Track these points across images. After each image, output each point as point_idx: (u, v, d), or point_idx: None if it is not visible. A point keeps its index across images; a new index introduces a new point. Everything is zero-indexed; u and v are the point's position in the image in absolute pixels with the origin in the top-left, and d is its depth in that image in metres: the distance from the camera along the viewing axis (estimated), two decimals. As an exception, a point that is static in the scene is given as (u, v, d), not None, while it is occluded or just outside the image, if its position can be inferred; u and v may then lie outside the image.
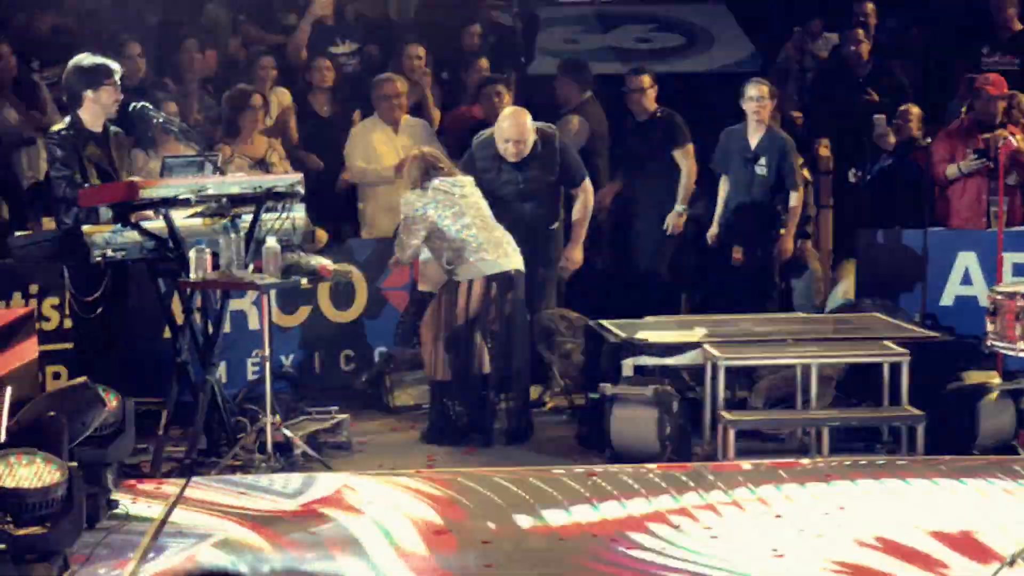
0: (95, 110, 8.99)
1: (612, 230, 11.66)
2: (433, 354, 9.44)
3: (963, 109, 11.59)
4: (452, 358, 9.37)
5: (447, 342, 9.37)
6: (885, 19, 12.89)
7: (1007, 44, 12.46)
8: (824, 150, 12.02)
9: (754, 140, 10.90)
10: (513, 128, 9.85)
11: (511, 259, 9.42)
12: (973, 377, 9.27)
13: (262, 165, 10.37)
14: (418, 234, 9.33)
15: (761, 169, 10.90)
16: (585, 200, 10.20)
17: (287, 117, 11.55)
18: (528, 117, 9.93)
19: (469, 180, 9.52)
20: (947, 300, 10.98)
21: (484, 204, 9.48)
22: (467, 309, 9.35)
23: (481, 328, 9.37)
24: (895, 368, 9.09)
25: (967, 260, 10.99)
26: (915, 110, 11.75)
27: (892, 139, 11.50)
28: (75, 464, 6.73)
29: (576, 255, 10.27)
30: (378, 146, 11.17)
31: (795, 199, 10.86)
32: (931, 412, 9.01)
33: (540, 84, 12.36)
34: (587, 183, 10.24)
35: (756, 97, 10.81)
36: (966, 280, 10.96)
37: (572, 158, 10.22)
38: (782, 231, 10.89)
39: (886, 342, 9.35)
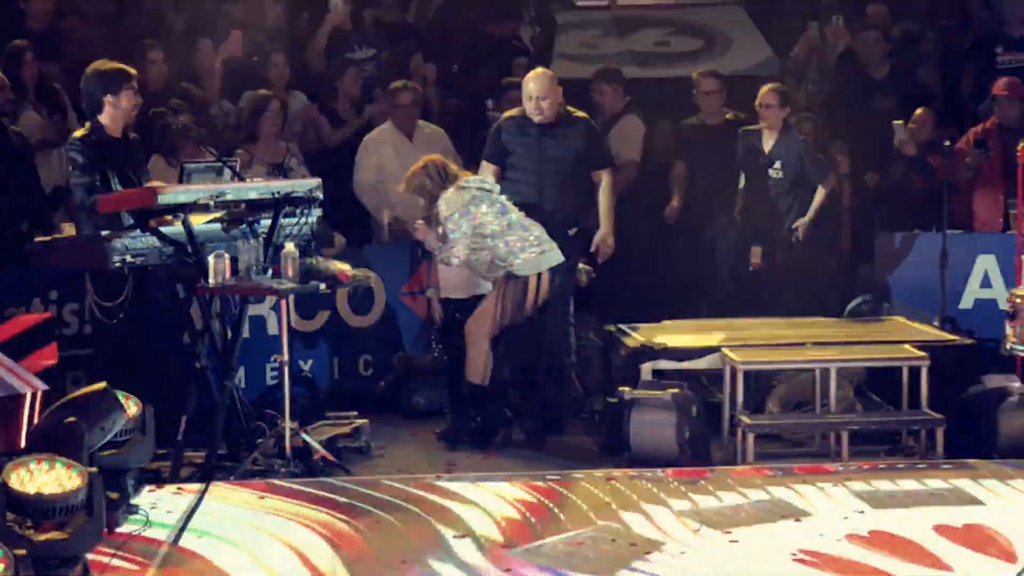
0: (115, 115, 9.01)
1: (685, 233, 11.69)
2: (477, 355, 9.40)
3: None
4: (505, 354, 9.36)
5: (501, 339, 9.38)
6: (899, 21, 12.85)
7: (1020, 43, 12.42)
8: (840, 153, 11.99)
9: (768, 143, 10.90)
10: (537, 84, 9.91)
11: (557, 251, 9.48)
12: (993, 381, 9.25)
13: (280, 170, 10.37)
14: (466, 233, 9.32)
15: (776, 172, 10.90)
16: (609, 184, 10.17)
17: (312, 118, 11.54)
18: (553, 78, 10.01)
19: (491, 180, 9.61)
20: (966, 303, 10.95)
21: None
22: (536, 303, 9.35)
23: (545, 321, 9.42)
24: (914, 372, 9.07)
25: (986, 263, 10.96)
26: (929, 113, 11.72)
27: (913, 147, 11.45)
28: (95, 469, 6.73)
29: (609, 240, 10.22)
30: (392, 157, 11.18)
31: (820, 194, 10.87)
32: (951, 416, 8.98)
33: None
34: (610, 172, 10.20)
35: (763, 104, 10.84)
36: (985, 283, 10.93)
37: (599, 139, 10.31)
38: (801, 220, 10.89)
39: (905, 345, 9.32)
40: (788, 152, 10.88)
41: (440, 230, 9.39)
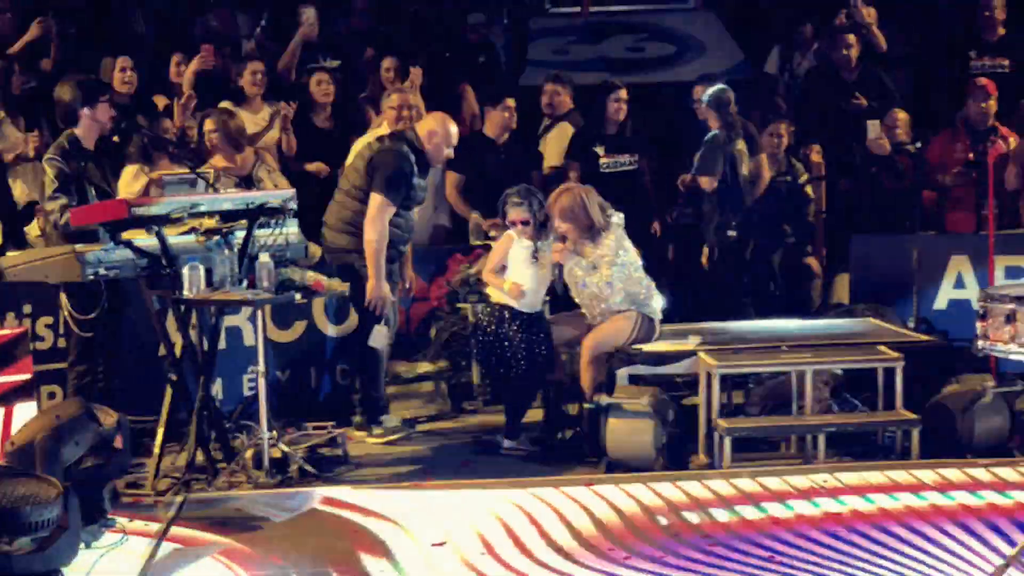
0: (91, 127, 9.00)
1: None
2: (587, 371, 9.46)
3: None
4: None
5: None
6: (878, 24, 12.89)
7: (995, 47, 12.47)
8: (816, 156, 12.02)
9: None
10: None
11: None
12: (967, 381, 9.27)
13: (249, 181, 10.34)
14: (621, 267, 9.45)
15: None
16: None
17: (285, 127, 11.53)
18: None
19: None
20: (940, 304, 10.97)
21: None
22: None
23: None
24: (889, 373, 9.08)
25: (960, 264, 10.98)
26: (902, 115, 11.76)
27: (887, 145, 11.49)
28: (71, 483, 6.71)
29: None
30: None
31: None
32: (926, 416, 9.00)
33: (531, 94, 12.36)
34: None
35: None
36: (959, 284, 10.96)
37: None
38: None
39: (880, 347, 9.34)
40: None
41: (589, 259, 9.44)
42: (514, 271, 9.68)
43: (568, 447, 9.54)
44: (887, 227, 11.38)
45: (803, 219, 11.70)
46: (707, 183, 11.20)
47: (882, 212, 11.55)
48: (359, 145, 10.46)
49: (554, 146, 11.97)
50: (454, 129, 9.98)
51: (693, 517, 7.78)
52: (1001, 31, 12.51)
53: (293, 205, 9.03)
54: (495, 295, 9.83)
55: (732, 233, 11.14)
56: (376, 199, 9.68)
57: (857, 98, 12.24)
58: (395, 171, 9.70)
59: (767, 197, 11.46)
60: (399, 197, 9.72)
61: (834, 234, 11.89)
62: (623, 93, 11.76)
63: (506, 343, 9.48)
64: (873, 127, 11.47)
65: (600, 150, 11.75)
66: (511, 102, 11.62)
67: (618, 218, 9.50)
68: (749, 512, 7.85)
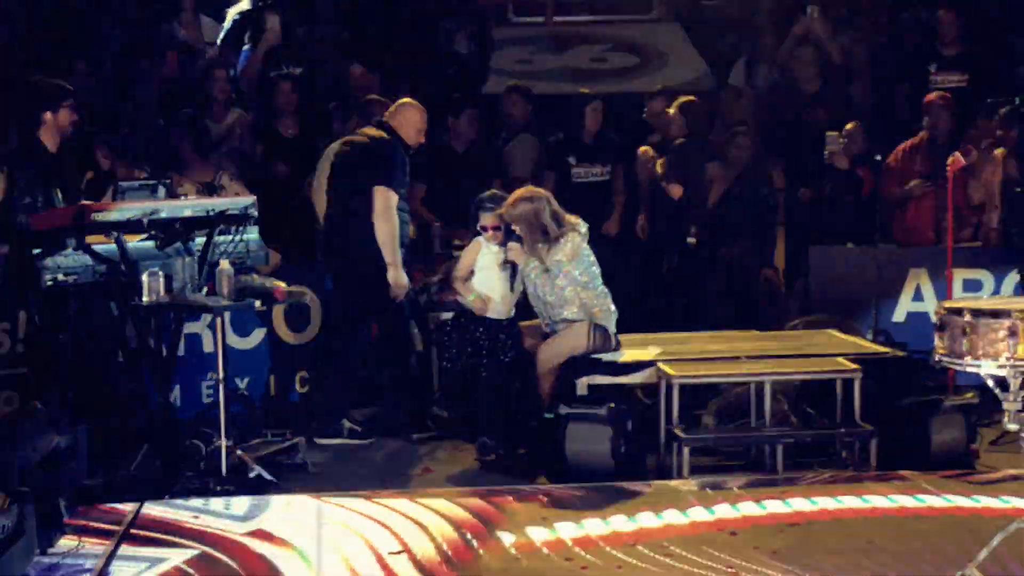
0: (54, 131, 8.98)
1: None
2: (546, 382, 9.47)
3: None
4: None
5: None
6: (834, 37, 12.95)
7: (953, 61, 12.53)
8: (774, 168, 12.07)
9: None
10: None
11: None
12: (925, 392, 9.31)
13: (211, 188, 10.32)
14: (578, 278, 9.46)
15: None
16: None
17: (244, 135, 11.50)
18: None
19: None
20: (899, 316, 11.02)
21: None
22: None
23: None
24: (848, 384, 9.11)
25: (918, 276, 11.04)
26: (861, 127, 11.81)
27: (845, 160, 11.54)
28: (27, 489, 6.67)
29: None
30: None
31: None
32: (884, 427, 9.03)
33: (495, 103, 12.38)
34: None
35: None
36: (918, 296, 11.01)
37: None
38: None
39: (839, 359, 9.36)
40: None
41: (544, 263, 9.43)
42: (482, 277, 9.68)
43: (525, 457, 9.54)
44: (846, 239, 11.42)
45: (763, 229, 11.73)
46: (676, 191, 11.25)
47: (841, 224, 11.59)
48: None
49: (517, 157, 11.98)
50: (422, 115, 10.07)
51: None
52: (959, 47, 12.57)
53: (254, 212, 9.03)
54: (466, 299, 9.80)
55: (692, 240, 11.19)
56: (381, 191, 9.73)
57: (816, 111, 12.28)
58: (392, 158, 9.81)
59: (727, 205, 11.50)
60: (402, 185, 9.83)
61: (794, 245, 11.94)
62: (599, 104, 11.82)
63: (470, 349, 9.50)
64: (831, 140, 11.51)
65: (572, 160, 11.78)
66: (471, 112, 11.64)
67: (582, 227, 9.51)
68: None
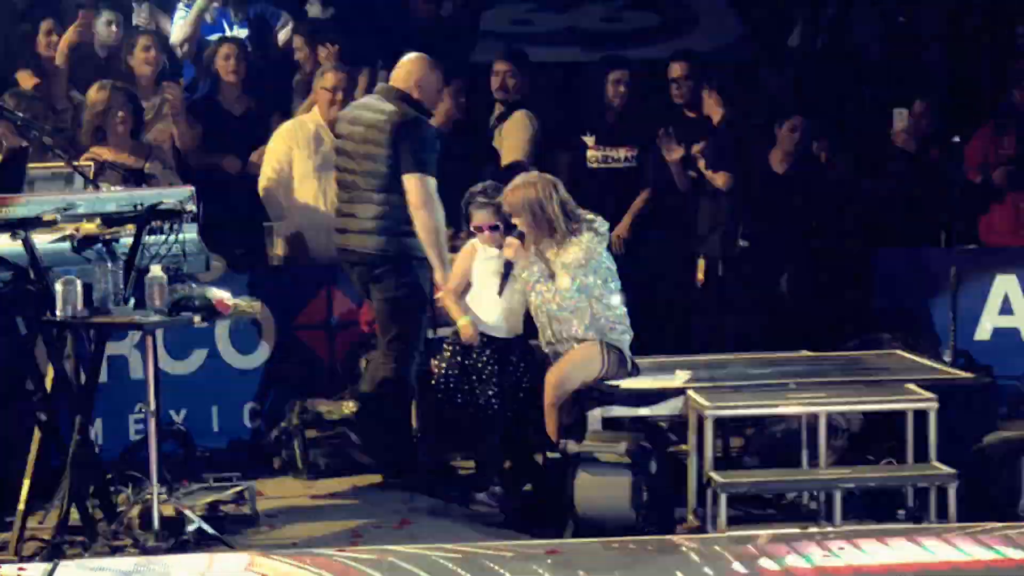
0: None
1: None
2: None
3: None
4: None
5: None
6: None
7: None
8: (823, 152, 12.10)
9: None
10: None
11: None
12: (1015, 427, 9.30)
13: (139, 176, 10.30)
14: (591, 285, 9.43)
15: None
16: None
17: (176, 114, 11.51)
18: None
19: None
20: (983, 334, 11.02)
21: None
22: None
23: None
24: (920, 417, 9.08)
25: (1006, 284, 11.04)
26: (933, 104, 11.82)
27: (912, 142, 11.54)
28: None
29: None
30: (304, 158, 11.16)
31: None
32: (964, 470, 9.01)
33: (485, 72, 12.38)
34: None
35: None
36: (1006, 309, 11.01)
37: None
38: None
39: (909, 385, 9.35)
40: None
41: (550, 264, 9.42)
42: (480, 291, 9.63)
43: (529, 503, 9.52)
44: (917, 239, 11.42)
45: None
46: (723, 180, 11.22)
47: (911, 220, 11.59)
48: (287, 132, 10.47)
49: (511, 138, 11.97)
50: (440, 72, 10.14)
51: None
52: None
53: (192, 207, 9.00)
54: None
55: (743, 243, 11.17)
56: (415, 180, 9.74)
57: (880, 83, 12.29)
58: (424, 135, 9.86)
59: (782, 199, 11.53)
60: (435, 166, 9.86)
61: (851, 249, 11.95)
62: (624, 74, 11.82)
63: (473, 377, 9.46)
64: (899, 116, 11.52)
65: (590, 140, 11.77)
66: (456, 84, 11.63)
67: (600, 225, 9.46)
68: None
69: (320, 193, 11.03)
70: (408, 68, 10.07)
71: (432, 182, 9.77)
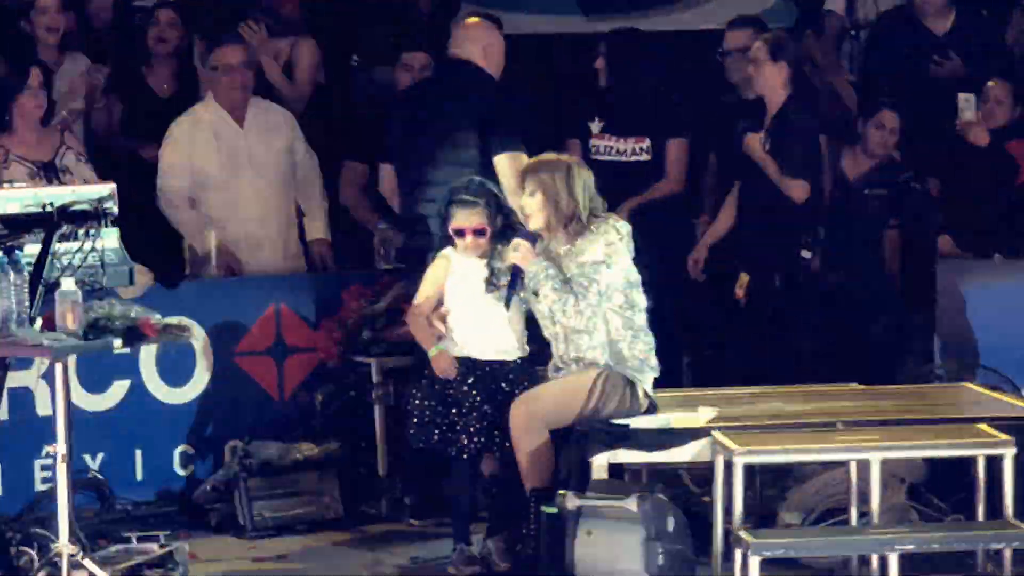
0: None
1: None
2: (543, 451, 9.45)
3: None
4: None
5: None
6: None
7: None
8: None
9: None
10: None
11: None
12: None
13: (51, 170, 10.32)
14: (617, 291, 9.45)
15: None
16: None
17: (93, 95, 11.53)
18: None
19: None
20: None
21: None
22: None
23: None
24: (994, 463, 9.08)
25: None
26: (1008, 86, 11.84)
27: (985, 133, 11.56)
28: None
29: None
30: (213, 152, 11.27)
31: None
32: (1049, 528, 9.04)
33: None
34: None
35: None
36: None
37: None
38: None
39: (980, 425, 9.34)
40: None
41: (564, 267, 9.40)
42: (463, 310, 9.61)
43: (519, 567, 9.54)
44: (990, 248, 11.43)
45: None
46: (800, 191, 11.17)
47: (982, 227, 11.62)
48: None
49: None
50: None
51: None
52: None
53: (112, 207, 8.99)
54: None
55: (807, 254, 11.16)
56: (507, 160, 9.93)
57: (945, 59, 12.32)
58: (511, 108, 10.13)
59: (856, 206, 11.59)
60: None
61: (913, 259, 11.98)
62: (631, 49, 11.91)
63: (453, 409, 9.46)
64: (968, 103, 11.54)
65: (595, 126, 11.76)
66: (421, 58, 11.63)
67: (622, 226, 9.45)
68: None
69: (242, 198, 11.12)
70: (469, 31, 10.41)
71: (525, 159, 9.93)
